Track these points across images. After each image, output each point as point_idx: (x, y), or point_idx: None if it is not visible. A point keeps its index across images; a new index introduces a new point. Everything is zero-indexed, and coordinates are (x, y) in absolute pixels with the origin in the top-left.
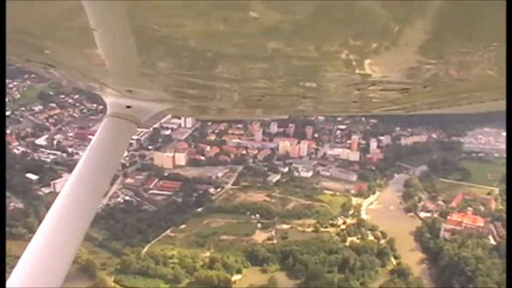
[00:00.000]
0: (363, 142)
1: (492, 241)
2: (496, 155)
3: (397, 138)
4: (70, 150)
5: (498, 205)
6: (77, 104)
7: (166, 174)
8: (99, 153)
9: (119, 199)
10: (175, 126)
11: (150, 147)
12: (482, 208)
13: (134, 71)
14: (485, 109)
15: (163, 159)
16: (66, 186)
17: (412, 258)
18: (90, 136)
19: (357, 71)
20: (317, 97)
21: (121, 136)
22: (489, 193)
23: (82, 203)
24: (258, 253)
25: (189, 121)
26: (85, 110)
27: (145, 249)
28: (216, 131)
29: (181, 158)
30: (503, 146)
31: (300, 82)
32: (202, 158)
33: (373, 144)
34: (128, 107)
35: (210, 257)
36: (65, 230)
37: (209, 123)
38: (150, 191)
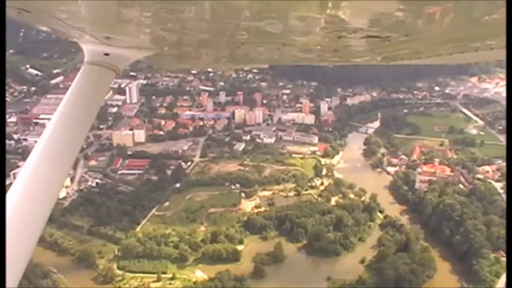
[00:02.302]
0: (312, 105)
1: (465, 187)
2: (434, 108)
3: (343, 99)
4: (16, 136)
5: (453, 154)
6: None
7: (129, 152)
8: (77, 101)
9: (90, 183)
10: (120, 103)
11: (101, 126)
12: (442, 159)
13: (112, 17)
14: (465, 60)
15: (122, 137)
16: (44, 134)
17: (394, 210)
18: (35, 120)
19: (334, 14)
20: (297, 44)
21: (99, 84)
22: (441, 144)
23: (61, 152)
24: (255, 222)
25: (134, 96)
26: (16, 93)
27: (137, 230)
28: (164, 104)
29: (141, 135)
30: (438, 100)
31: (277, 25)
32: (161, 133)
33: (324, 106)
34: (106, 54)
35: (210, 231)
36: (44, 183)
37: (154, 97)
38: (119, 172)
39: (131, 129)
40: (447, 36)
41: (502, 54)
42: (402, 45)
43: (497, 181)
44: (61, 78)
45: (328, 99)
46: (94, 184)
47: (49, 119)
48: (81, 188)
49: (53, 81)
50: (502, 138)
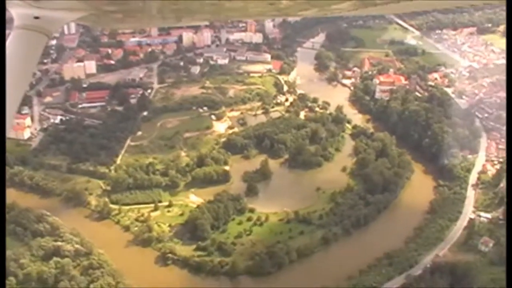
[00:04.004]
0: (255, 23)
1: (421, 94)
2: (371, 21)
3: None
4: None
5: (400, 64)
6: None
7: (84, 85)
8: (8, 68)
9: (52, 120)
10: (57, 34)
11: (45, 60)
12: (394, 69)
13: None
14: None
15: (73, 70)
16: None
17: (359, 120)
18: None
19: None
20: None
21: (31, 49)
22: (386, 55)
23: None
24: (235, 142)
25: (72, 27)
26: None
27: (119, 162)
28: (106, 32)
29: (92, 66)
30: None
31: None
32: (112, 62)
33: (268, 24)
34: (36, 17)
35: (193, 156)
36: None
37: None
38: (80, 106)
39: (79, 61)
40: None
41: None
42: None
43: (447, 86)
44: None
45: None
46: (58, 121)
47: None
48: (45, 126)
49: None
50: (440, 47)
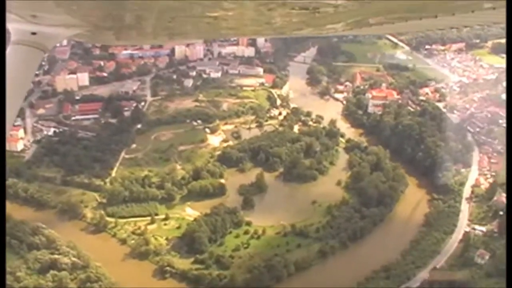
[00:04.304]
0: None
1: (413, 109)
2: (361, 36)
3: None
4: None
5: (391, 79)
6: None
7: (77, 97)
8: (5, 84)
9: (45, 132)
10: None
11: (37, 72)
12: (387, 84)
13: None
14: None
15: (66, 82)
16: None
17: (352, 134)
18: None
19: None
20: (230, 19)
21: (27, 64)
22: (377, 70)
23: None
24: (230, 156)
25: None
26: None
27: (113, 175)
28: (98, 44)
29: (84, 78)
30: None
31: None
32: (105, 74)
33: (260, 38)
34: (34, 33)
35: (188, 169)
36: None
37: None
38: (73, 118)
39: (71, 73)
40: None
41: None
42: (333, 17)
43: (438, 101)
44: None
45: None
46: (51, 133)
47: None
48: (38, 138)
49: None
50: (430, 62)
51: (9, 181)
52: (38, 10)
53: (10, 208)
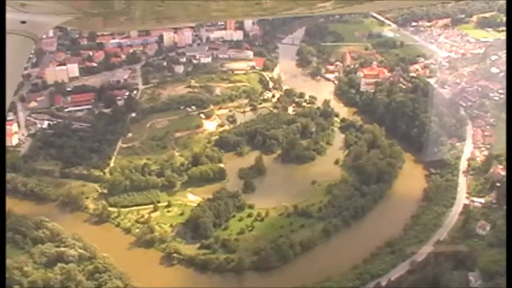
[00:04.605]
0: (234, 20)
1: (406, 85)
2: (347, 15)
3: None
4: None
5: (380, 57)
6: None
7: (69, 88)
8: None
9: (39, 125)
10: None
11: (26, 65)
12: (377, 62)
13: None
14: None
15: (56, 73)
16: None
17: (345, 113)
18: None
19: None
20: (219, 0)
21: (18, 54)
22: (366, 48)
23: None
24: (227, 140)
25: (49, 30)
26: None
27: (111, 165)
28: (84, 34)
29: (74, 69)
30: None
31: None
32: (94, 64)
33: (247, 21)
34: (23, 22)
35: (187, 155)
36: None
37: (69, 28)
38: (66, 110)
39: (61, 64)
40: None
41: None
42: None
43: (429, 77)
44: None
45: None
46: (45, 126)
47: None
48: (33, 132)
49: None
50: (417, 38)
51: (8, 176)
52: None
53: (11, 203)
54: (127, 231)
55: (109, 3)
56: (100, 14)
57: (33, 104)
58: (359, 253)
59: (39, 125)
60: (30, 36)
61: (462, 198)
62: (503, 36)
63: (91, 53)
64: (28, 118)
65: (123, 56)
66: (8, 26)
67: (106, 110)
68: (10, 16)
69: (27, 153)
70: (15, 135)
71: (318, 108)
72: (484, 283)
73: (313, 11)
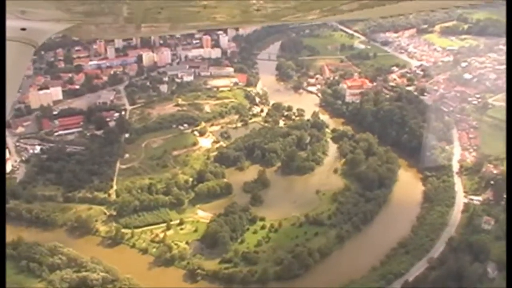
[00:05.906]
0: (209, 38)
1: (389, 94)
2: (317, 30)
3: (236, 29)
4: None
5: (356, 68)
6: None
7: (55, 112)
8: None
9: (31, 151)
10: None
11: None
12: (357, 73)
13: None
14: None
15: (39, 97)
16: None
17: (333, 124)
18: None
19: None
20: (220, 7)
21: (18, 61)
22: (341, 61)
23: None
24: (226, 155)
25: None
26: None
27: (114, 187)
28: (60, 57)
29: (57, 93)
30: (318, 21)
31: None
32: (76, 87)
33: (223, 38)
34: (23, 29)
35: (190, 172)
36: None
37: (42, 52)
38: (56, 133)
39: (42, 88)
40: None
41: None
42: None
43: (408, 85)
44: None
45: (221, 32)
46: (38, 151)
47: None
48: (26, 157)
49: None
50: (387, 49)
51: (11, 203)
52: (27, 6)
53: (17, 230)
54: (144, 251)
55: (111, 10)
56: (100, 21)
57: (20, 129)
58: (375, 255)
59: (30, 151)
60: (30, 43)
61: (461, 197)
62: (466, 44)
63: (71, 75)
64: (17, 144)
65: (105, 78)
66: (8, 33)
67: (98, 132)
68: (10, 23)
69: (25, 179)
70: (8, 162)
71: (308, 120)
72: (500, 273)
73: (308, 17)
